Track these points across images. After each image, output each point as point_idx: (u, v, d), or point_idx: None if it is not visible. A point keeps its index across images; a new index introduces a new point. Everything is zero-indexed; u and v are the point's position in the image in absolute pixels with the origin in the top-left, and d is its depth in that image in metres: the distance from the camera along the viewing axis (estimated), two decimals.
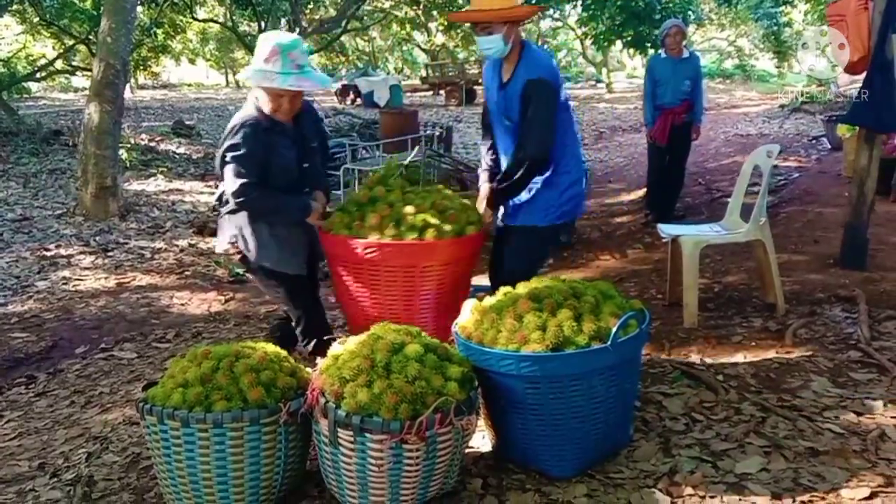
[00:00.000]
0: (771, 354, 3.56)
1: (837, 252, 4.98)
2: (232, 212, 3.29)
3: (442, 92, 24.84)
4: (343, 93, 23.85)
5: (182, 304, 5.57)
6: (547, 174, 3.27)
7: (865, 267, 4.71)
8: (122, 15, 7.95)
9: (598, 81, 30.03)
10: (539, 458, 2.63)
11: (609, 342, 2.47)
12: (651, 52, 12.67)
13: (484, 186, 3.43)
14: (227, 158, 3.10)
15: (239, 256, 3.37)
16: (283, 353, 2.73)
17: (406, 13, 25.86)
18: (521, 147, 3.17)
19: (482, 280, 4.07)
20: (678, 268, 4.45)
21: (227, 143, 3.12)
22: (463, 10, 3.48)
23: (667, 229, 4.25)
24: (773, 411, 2.97)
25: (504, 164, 3.37)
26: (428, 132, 8.90)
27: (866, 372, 3.30)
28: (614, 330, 2.48)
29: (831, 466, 2.57)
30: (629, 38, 10.59)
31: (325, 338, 3.06)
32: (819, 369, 3.35)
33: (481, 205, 3.37)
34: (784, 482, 2.49)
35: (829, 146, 10.21)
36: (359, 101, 22.64)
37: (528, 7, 3.19)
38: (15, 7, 16.21)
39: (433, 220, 3.18)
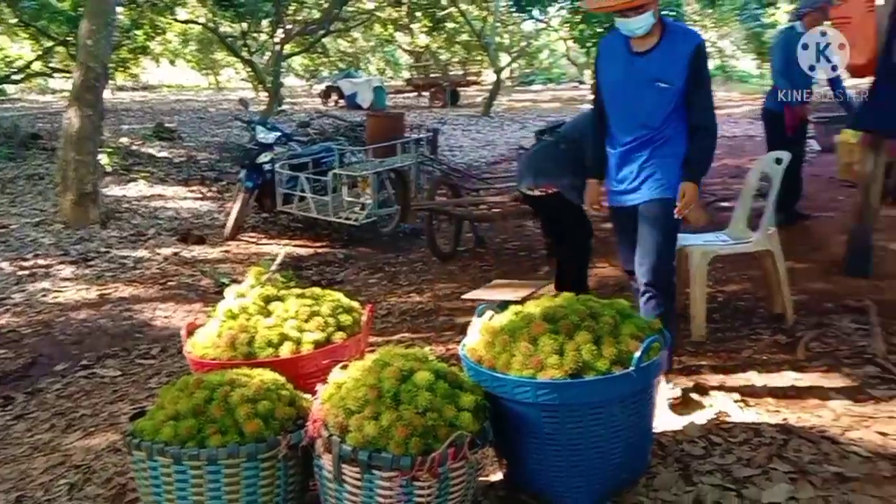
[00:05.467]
0: (785, 370, 3.44)
1: (840, 259, 4.88)
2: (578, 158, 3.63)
3: (426, 93, 24.65)
4: (325, 94, 23.56)
5: (166, 317, 5.36)
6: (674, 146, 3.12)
7: (870, 274, 4.61)
8: (104, 17, 7.70)
9: (581, 83, 29.97)
10: (555, 488, 2.48)
11: (632, 367, 2.32)
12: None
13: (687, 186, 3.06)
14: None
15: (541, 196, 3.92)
16: (282, 380, 2.56)
17: (389, 14, 25.63)
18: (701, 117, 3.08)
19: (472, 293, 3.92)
20: (682, 277, 4.33)
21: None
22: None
23: None
24: (795, 433, 2.84)
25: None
26: (419, 136, 8.69)
27: (886, 388, 3.19)
28: (638, 354, 2.33)
29: (863, 494, 2.45)
30: None
31: None
32: (836, 386, 3.23)
33: (697, 211, 3.19)
34: None
35: (819, 148, 10.14)
36: (341, 102, 22.40)
37: None
38: None
39: (292, 334, 2.83)
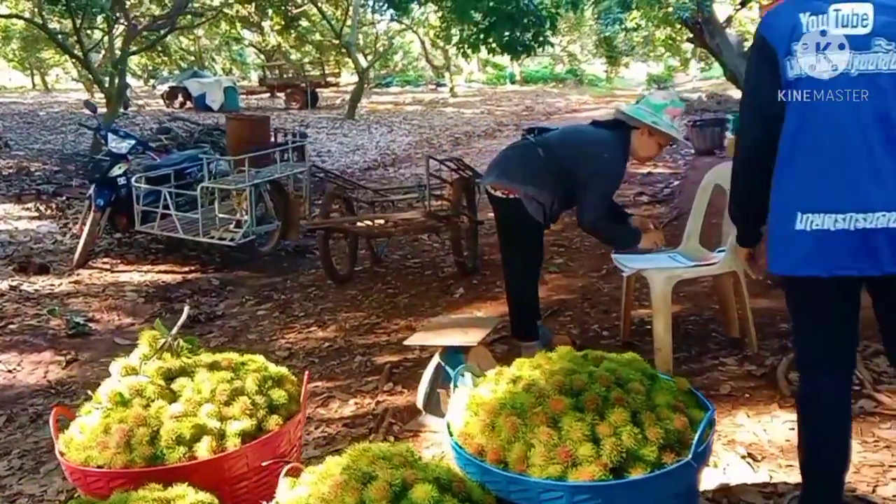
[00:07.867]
0: (774, 410, 3.05)
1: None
2: None
3: (281, 94, 23.50)
4: (171, 96, 21.87)
5: (10, 372, 4.34)
6: None
7: None
8: None
9: (440, 85, 29.76)
10: None
11: (691, 455, 1.79)
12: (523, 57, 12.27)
13: None
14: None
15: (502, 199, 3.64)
16: (209, 499, 1.82)
17: (237, 11, 24.23)
18: None
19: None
20: (631, 302, 3.93)
21: None
22: None
23: (627, 261, 3.65)
24: None
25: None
26: (296, 141, 7.82)
27: (889, 427, 2.86)
28: (697, 436, 1.80)
29: None
30: (498, 43, 10.07)
31: None
32: None
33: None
34: None
35: (693, 151, 10.27)
36: (189, 104, 20.86)
37: None
38: None
39: (210, 424, 2.08)
